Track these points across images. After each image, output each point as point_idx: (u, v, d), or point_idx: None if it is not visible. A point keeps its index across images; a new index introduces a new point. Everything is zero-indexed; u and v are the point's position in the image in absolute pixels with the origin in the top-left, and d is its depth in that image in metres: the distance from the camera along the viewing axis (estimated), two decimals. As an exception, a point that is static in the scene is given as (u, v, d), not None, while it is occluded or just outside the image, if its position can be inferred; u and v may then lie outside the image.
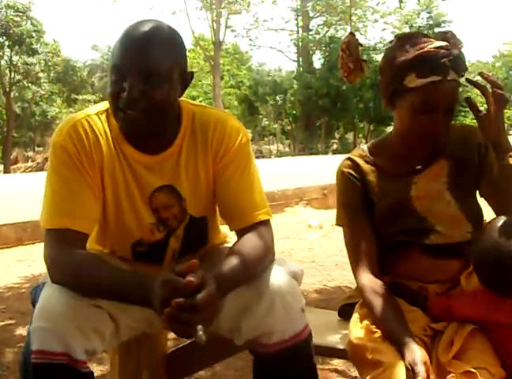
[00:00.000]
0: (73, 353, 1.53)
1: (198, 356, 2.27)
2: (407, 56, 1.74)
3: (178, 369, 2.27)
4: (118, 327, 1.69)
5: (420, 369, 1.50)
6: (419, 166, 1.86)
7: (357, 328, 1.76)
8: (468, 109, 1.78)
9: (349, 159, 1.93)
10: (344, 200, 1.92)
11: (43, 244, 1.70)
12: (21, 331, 3.44)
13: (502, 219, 1.67)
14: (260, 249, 1.69)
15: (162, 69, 1.63)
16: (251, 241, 1.70)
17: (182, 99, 1.78)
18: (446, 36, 1.77)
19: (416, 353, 1.54)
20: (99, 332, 1.60)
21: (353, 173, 1.89)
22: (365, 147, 1.97)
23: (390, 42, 1.84)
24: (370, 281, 1.80)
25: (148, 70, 1.61)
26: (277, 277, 1.65)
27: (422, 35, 1.78)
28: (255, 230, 1.73)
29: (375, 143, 1.99)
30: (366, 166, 1.90)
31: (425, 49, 1.72)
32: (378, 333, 1.69)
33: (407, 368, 1.53)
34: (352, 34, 2.75)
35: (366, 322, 1.75)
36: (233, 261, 1.61)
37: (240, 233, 1.75)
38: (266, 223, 1.78)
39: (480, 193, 1.88)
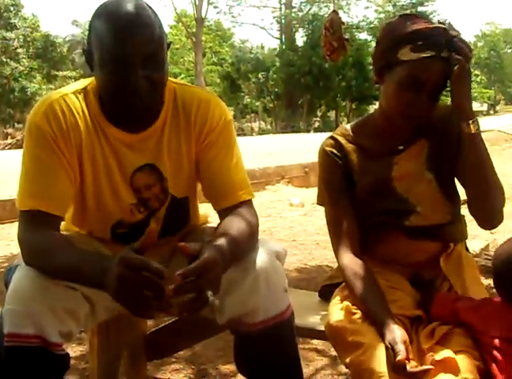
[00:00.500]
0: (47, 335, 1.51)
1: (178, 336, 2.26)
2: (405, 30, 1.73)
3: (157, 349, 2.27)
4: (93, 308, 1.66)
5: (400, 348, 1.50)
6: (401, 147, 1.84)
7: (337, 311, 1.75)
8: None
9: (332, 137, 1.92)
10: (326, 179, 1.91)
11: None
12: (-1, 310, 3.41)
13: None
14: (247, 229, 1.67)
15: (161, 50, 1.63)
16: (238, 221, 1.69)
17: None
18: (444, 23, 1.76)
19: (396, 332, 1.55)
20: (74, 314, 1.58)
21: (335, 151, 1.88)
22: (348, 126, 1.96)
23: (392, 17, 1.84)
24: (351, 260, 1.80)
25: (151, 55, 1.59)
26: (261, 257, 1.65)
27: (424, 17, 1.79)
28: (240, 210, 1.73)
29: (359, 122, 1.98)
30: (348, 145, 1.89)
31: (424, 26, 1.72)
32: (358, 314, 1.69)
33: (387, 347, 1.54)
34: (335, 12, 2.72)
35: (346, 303, 1.74)
36: (223, 241, 1.58)
37: (224, 212, 1.74)
38: (249, 202, 1.77)
39: (455, 174, 1.86)
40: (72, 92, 1.72)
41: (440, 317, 1.69)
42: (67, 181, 1.69)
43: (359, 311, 1.69)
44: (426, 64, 1.69)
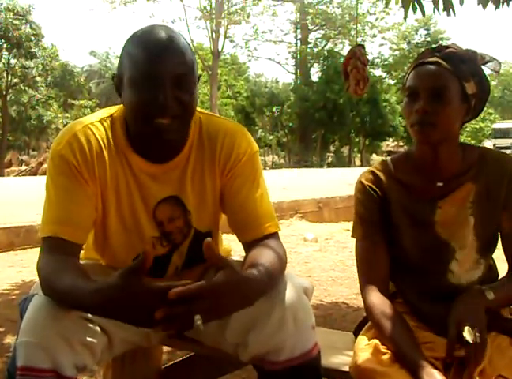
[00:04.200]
0: (62, 369, 1.46)
1: (194, 372, 2.20)
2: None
3: (172, 385, 2.20)
4: (111, 341, 1.62)
5: None
6: (440, 183, 1.76)
7: (364, 350, 1.67)
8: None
9: (371, 171, 1.85)
10: (362, 213, 1.83)
11: (34, 250, 1.64)
12: (10, 339, 3.35)
13: None
14: (277, 260, 1.60)
15: (191, 73, 1.60)
16: (268, 251, 1.62)
17: None
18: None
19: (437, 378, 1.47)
20: (90, 347, 1.53)
21: (373, 187, 1.81)
22: (389, 159, 1.88)
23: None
24: (378, 300, 1.73)
25: (182, 76, 1.57)
26: (288, 292, 1.58)
27: None
28: (267, 242, 1.66)
29: (401, 156, 1.89)
30: (388, 182, 1.81)
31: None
32: (388, 355, 1.61)
33: None
34: (362, 46, 2.68)
35: (375, 342, 1.67)
36: (256, 271, 1.48)
37: (250, 244, 1.68)
38: (276, 235, 1.72)
39: (499, 229, 1.79)
40: (98, 121, 1.69)
41: None
42: (90, 209, 1.65)
43: (388, 351, 1.62)
44: (417, 72, 1.70)
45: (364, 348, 1.68)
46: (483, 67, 1.77)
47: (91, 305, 1.38)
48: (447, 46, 1.74)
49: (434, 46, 1.76)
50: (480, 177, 1.75)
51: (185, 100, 1.58)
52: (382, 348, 1.64)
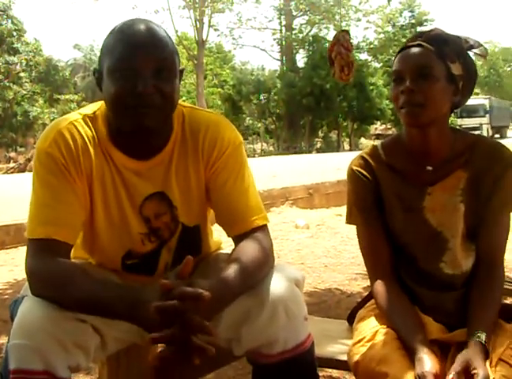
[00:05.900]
0: (55, 370, 1.45)
1: (190, 366, 2.19)
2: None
3: (168, 379, 2.20)
4: (103, 340, 1.60)
5: None
6: (429, 168, 1.74)
7: (363, 336, 1.69)
8: None
9: (361, 157, 1.84)
10: (357, 200, 1.83)
11: (26, 248, 1.62)
12: (3, 340, 3.33)
13: None
14: (260, 256, 1.62)
15: (171, 63, 1.60)
16: (250, 247, 1.63)
17: None
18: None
19: (426, 364, 1.48)
20: (83, 347, 1.52)
21: (364, 172, 1.80)
22: (379, 144, 1.86)
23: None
24: (383, 287, 1.75)
25: (161, 65, 1.57)
26: (279, 284, 1.58)
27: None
28: (253, 236, 1.67)
29: (390, 140, 1.88)
30: (378, 166, 1.80)
31: None
32: (388, 335, 1.64)
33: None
34: (347, 32, 2.66)
35: (375, 327, 1.69)
36: (233, 269, 1.54)
37: (237, 239, 1.68)
38: (264, 228, 1.71)
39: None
40: (81, 118, 1.68)
41: None
42: (79, 208, 1.63)
43: (389, 333, 1.64)
44: (401, 56, 1.71)
45: (364, 334, 1.69)
46: (469, 52, 1.76)
47: (123, 308, 1.46)
48: (430, 31, 1.74)
49: (419, 31, 1.77)
50: (470, 164, 1.74)
51: (166, 91, 1.57)
52: (383, 333, 1.66)
